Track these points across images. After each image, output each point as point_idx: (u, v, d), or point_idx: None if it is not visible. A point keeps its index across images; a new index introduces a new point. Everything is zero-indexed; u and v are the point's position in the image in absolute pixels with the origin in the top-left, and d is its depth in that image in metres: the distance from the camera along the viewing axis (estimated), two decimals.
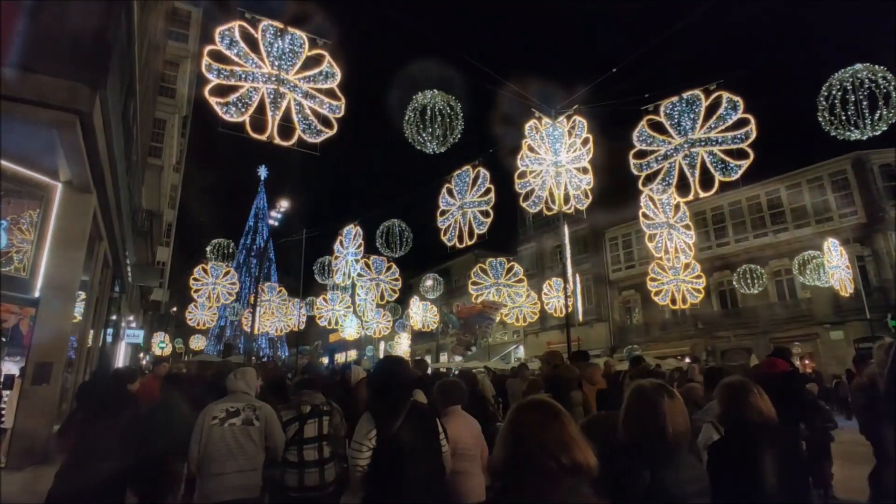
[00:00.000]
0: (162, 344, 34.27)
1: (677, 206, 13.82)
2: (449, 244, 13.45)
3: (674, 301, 19.20)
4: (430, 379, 10.72)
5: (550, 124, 11.16)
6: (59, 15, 6.39)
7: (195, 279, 22.86)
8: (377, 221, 17.03)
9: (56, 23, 6.35)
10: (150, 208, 18.47)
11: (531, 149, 11.37)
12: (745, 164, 9.05)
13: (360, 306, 25.41)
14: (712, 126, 9.41)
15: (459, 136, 9.29)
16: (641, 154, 10.25)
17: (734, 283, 21.39)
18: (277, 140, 7.76)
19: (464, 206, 13.22)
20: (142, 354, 30.56)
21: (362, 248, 17.07)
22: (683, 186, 9.99)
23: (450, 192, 13.72)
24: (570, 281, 14.74)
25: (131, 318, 21.79)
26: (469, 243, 13.11)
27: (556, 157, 11.11)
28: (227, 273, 23.29)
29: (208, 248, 21.01)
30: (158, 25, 14.47)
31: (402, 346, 41.04)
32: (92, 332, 12.52)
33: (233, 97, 7.53)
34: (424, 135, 9.03)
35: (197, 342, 46.20)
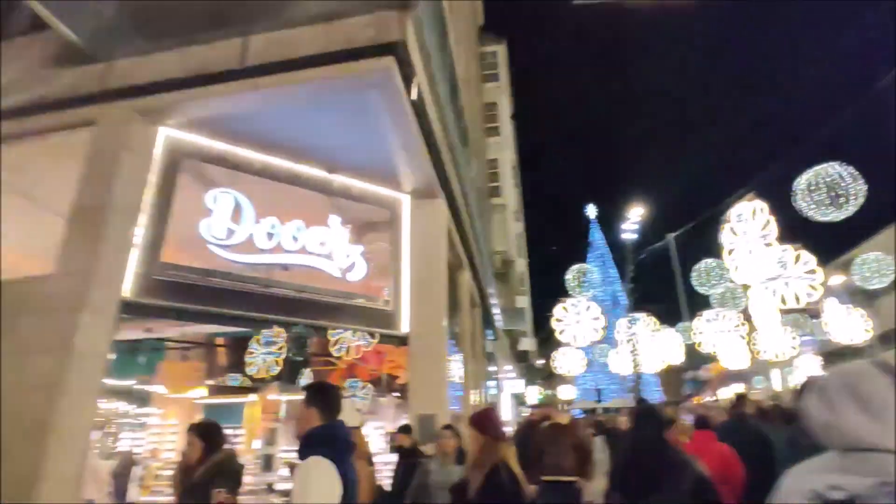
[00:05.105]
0: (540, 396, 34.01)
1: None
2: None
3: None
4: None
5: None
6: None
7: (557, 320, 21.04)
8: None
9: None
10: (503, 250, 17.78)
11: None
12: None
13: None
14: None
15: None
16: None
17: None
18: None
19: None
20: (520, 407, 30.41)
21: (770, 226, 11.78)
22: None
23: None
24: None
25: (509, 367, 21.31)
26: None
27: None
28: (588, 307, 20.72)
29: (568, 276, 18.83)
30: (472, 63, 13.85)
31: (806, 373, 29.49)
32: (473, 391, 11.22)
33: None
34: None
35: (566, 392, 45.25)
